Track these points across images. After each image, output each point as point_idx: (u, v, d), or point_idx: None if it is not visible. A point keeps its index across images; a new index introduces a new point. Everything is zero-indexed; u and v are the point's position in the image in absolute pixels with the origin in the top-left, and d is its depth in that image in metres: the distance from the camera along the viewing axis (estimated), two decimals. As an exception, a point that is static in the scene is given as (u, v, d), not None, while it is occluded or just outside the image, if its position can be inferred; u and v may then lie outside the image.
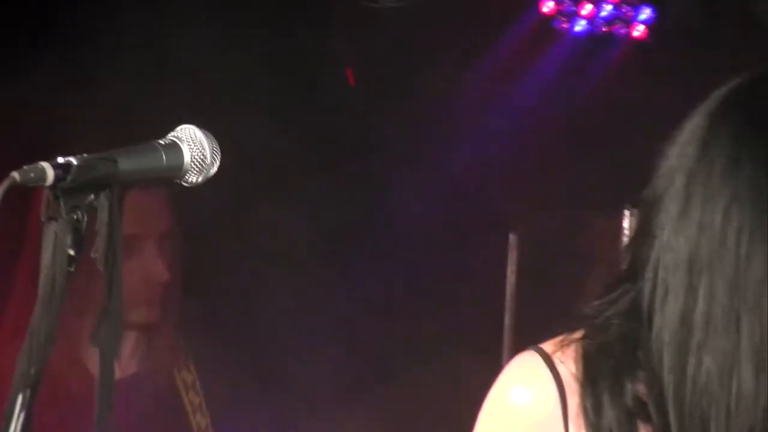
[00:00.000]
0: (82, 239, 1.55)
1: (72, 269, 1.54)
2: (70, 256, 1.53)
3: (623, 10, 4.81)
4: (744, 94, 1.66)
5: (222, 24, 4.29)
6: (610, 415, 1.59)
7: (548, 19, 4.80)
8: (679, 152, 1.64)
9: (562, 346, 1.65)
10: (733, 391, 1.55)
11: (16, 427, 1.50)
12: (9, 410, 1.50)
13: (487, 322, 4.40)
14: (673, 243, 1.61)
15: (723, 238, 1.58)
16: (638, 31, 4.82)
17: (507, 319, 4.26)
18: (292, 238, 4.19)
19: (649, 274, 1.62)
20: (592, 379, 1.61)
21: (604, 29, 4.83)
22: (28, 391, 1.51)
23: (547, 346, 1.65)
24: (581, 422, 1.61)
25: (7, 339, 3.23)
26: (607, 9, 4.81)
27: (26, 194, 1.54)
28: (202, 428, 3.50)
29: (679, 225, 1.61)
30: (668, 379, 1.58)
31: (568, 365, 1.63)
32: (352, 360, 4.26)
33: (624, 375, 1.60)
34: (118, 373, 3.39)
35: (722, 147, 1.61)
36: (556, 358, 1.64)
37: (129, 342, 3.48)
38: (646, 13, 4.81)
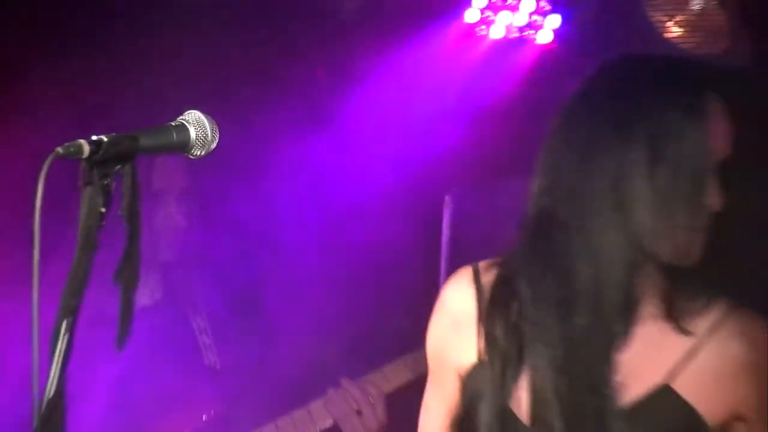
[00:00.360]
0: (110, 200, 1.57)
1: (103, 224, 1.56)
2: (101, 213, 1.55)
3: (534, 18, 4.85)
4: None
5: (221, 27, 4.36)
6: (499, 328, 1.74)
7: (471, 26, 4.86)
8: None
9: (489, 267, 1.84)
10: (601, 282, 1.67)
11: (61, 346, 1.51)
12: (56, 333, 1.51)
13: (426, 264, 4.47)
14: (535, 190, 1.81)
15: (559, 172, 1.75)
16: (546, 36, 4.87)
17: (443, 263, 4.34)
18: (276, 190, 4.21)
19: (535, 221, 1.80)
20: (491, 301, 1.78)
21: (517, 35, 4.87)
22: (70, 318, 1.52)
23: (483, 264, 1.85)
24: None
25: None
26: (521, 17, 4.85)
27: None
28: (207, 345, 3.53)
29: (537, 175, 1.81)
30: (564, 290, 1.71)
31: (488, 284, 1.81)
32: (315, 293, 4.30)
33: (513, 301, 1.75)
34: (149, 300, 3.46)
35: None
36: (483, 276, 1.82)
37: (154, 275, 3.49)
38: (554, 20, 4.82)
